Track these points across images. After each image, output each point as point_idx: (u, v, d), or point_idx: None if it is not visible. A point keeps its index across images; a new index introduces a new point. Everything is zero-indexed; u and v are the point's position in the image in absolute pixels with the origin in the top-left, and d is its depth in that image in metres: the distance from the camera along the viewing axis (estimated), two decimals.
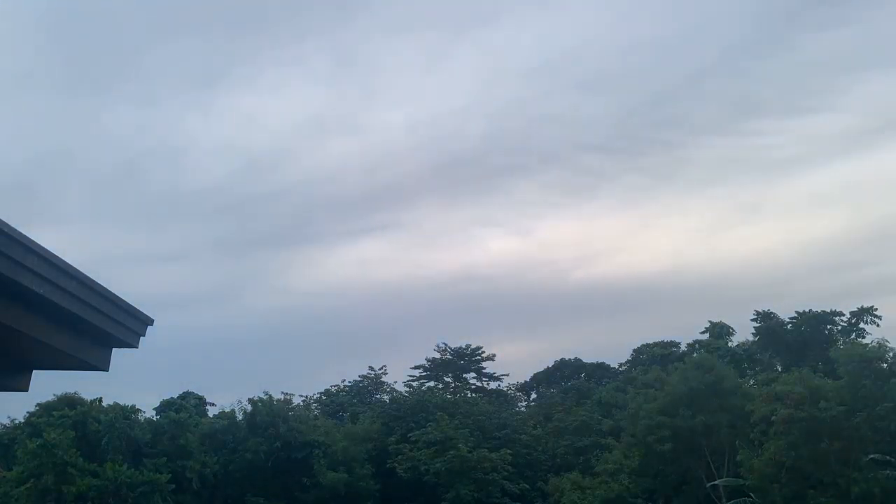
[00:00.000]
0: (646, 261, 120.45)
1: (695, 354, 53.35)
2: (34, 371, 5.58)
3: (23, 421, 48.18)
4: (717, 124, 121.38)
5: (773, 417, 36.21)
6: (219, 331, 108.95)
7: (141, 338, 5.47)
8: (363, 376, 68.57)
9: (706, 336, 59.48)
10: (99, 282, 4.79)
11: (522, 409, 70.60)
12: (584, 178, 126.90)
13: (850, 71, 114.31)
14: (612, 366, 72.18)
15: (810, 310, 53.03)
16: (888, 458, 34.74)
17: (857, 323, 51.78)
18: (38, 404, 47.20)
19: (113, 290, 4.95)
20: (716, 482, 39.80)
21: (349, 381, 68.97)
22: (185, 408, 51.29)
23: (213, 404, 58.11)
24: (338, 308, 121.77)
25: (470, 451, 48.05)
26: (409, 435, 51.32)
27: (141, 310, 5.31)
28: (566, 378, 73.53)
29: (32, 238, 4.11)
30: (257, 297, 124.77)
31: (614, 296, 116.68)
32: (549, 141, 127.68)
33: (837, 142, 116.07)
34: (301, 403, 60.08)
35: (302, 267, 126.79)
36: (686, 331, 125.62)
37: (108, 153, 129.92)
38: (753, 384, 45.65)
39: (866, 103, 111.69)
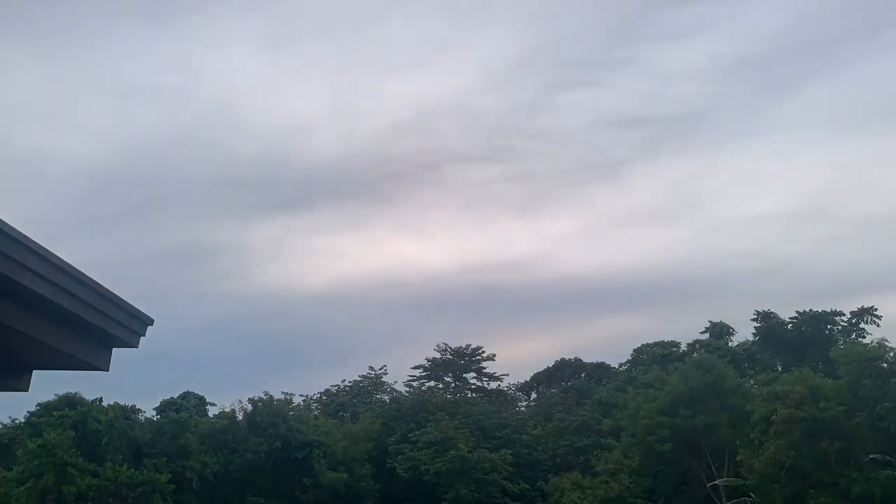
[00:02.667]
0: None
1: (695, 354, 53.39)
2: (34, 371, 5.58)
3: (23, 421, 48.19)
4: None
5: (773, 417, 36.22)
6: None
7: (141, 338, 5.46)
8: (363, 376, 68.56)
9: (706, 336, 59.49)
10: (99, 282, 4.79)
11: (522, 409, 70.60)
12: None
13: None
14: (612, 366, 72.19)
15: (810, 309, 53.06)
16: (888, 457, 34.76)
17: (857, 323, 51.82)
18: (38, 404, 47.23)
19: (113, 290, 4.95)
20: (716, 482, 39.81)
21: (349, 381, 69.04)
22: (185, 408, 51.30)
23: (214, 404, 58.21)
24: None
25: (470, 451, 48.06)
26: (409, 435, 51.33)
27: (141, 310, 5.31)
28: (566, 378, 73.49)
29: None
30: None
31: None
32: None
33: None
34: (301, 403, 60.13)
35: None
36: (686, 331, 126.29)
37: None
38: (753, 384, 45.65)
39: None
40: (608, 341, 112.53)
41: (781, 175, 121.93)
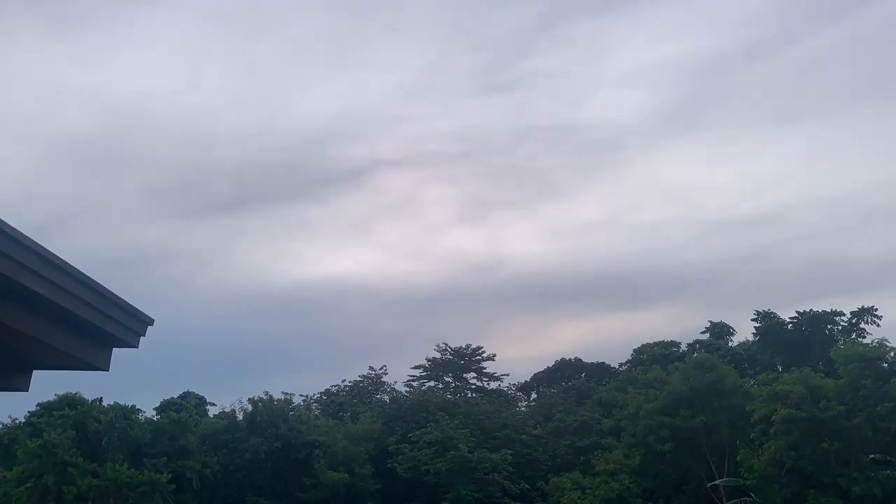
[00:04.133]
0: None
1: (695, 354, 53.38)
2: (34, 371, 5.58)
3: (23, 421, 48.18)
4: None
5: (773, 417, 36.20)
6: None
7: (141, 338, 5.46)
8: (363, 376, 68.60)
9: (706, 336, 59.51)
10: (99, 282, 4.79)
11: (523, 409, 70.59)
12: None
13: None
14: (612, 366, 72.26)
15: (811, 309, 53.12)
16: (889, 458, 34.76)
17: (857, 323, 51.87)
18: (38, 404, 47.18)
19: (113, 290, 4.95)
20: (716, 482, 39.80)
21: (349, 381, 69.05)
22: (185, 408, 51.28)
23: (214, 404, 58.25)
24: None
25: (470, 451, 48.05)
26: (409, 435, 51.32)
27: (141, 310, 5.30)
28: (566, 378, 73.52)
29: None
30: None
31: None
32: None
33: None
34: (301, 403, 60.14)
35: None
36: (686, 331, 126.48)
37: None
38: (753, 384, 45.62)
39: None
40: (608, 341, 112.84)
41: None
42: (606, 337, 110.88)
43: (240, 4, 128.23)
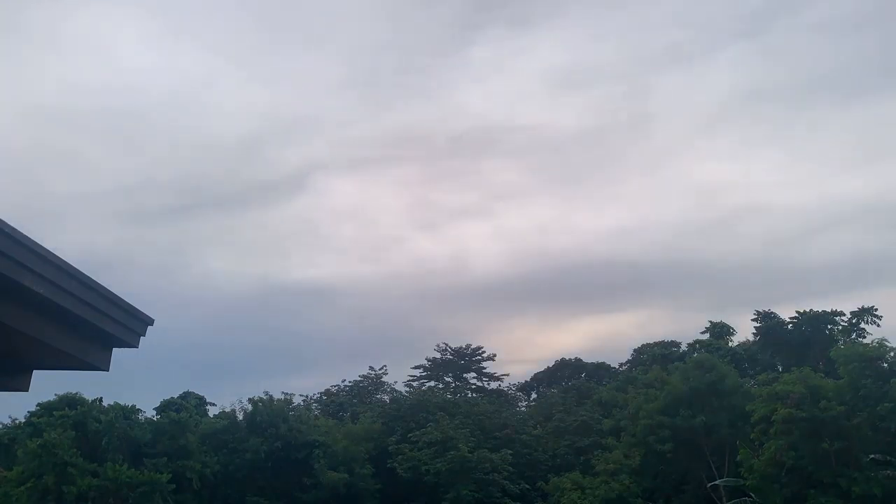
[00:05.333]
0: None
1: (695, 354, 53.35)
2: (34, 371, 5.58)
3: (23, 421, 48.17)
4: None
5: (774, 417, 36.19)
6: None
7: (141, 338, 5.46)
8: (363, 376, 68.60)
9: (706, 336, 59.48)
10: (99, 282, 4.79)
11: (523, 409, 70.60)
12: None
13: None
14: (612, 366, 72.26)
15: (811, 309, 53.05)
16: (889, 458, 34.74)
17: (857, 323, 51.80)
18: (38, 404, 47.19)
19: (113, 290, 4.95)
20: (716, 482, 39.79)
21: (349, 381, 69.07)
22: (185, 408, 51.29)
23: (214, 404, 58.25)
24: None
25: (470, 451, 48.04)
26: (409, 435, 51.31)
27: (141, 310, 5.30)
28: (566, 378, 73.54)
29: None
30: None
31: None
32: None
33: None
34: (301, 403, 60.14)
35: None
36: (686, 330, 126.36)
37: None
38: (753, 384, 45.61)
39: None
40: (609, 341, 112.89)
41: None
42: (607, 337, 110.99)
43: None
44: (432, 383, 67.65)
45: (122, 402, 48.80)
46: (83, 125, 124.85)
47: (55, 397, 47.27)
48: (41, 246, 4.19)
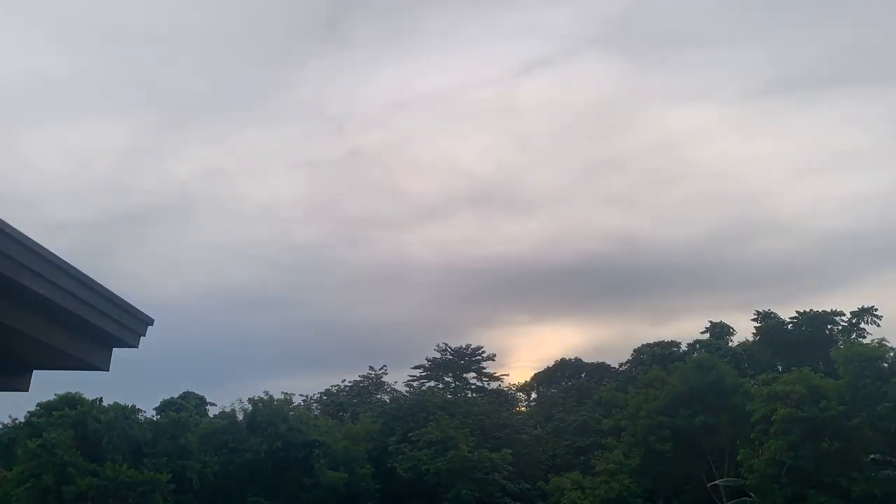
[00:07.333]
0: None
1: (695, 354, 53.37)
2: (34, 371, 5.57)
3: (23, 421, 48.16)
4: None
5: (773, 417, 36.20)
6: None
7: (141, 338, 5.45)
8: (363, 376, 68.59)
9: (706, 336, 59.49)
10: (99, 282, 4.79)
11: (523, 409, 70.60)
12: None
13: None
14: (612, 366, 72.20)
15: (811, 309, 53.07)
16: (889, 458, 34.75)
17: (857, 323, 51.82)
18: (38, 404, 47.16)
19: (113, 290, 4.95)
20: (716, 482, 39.79)
21: (349, 381, 69.07)
22: (185, 408, 51.30)
23: (214, 404, 58.23)
24: None
25: (470, 451, 48.05)
26: (409, 435, 51.32)
27: (141, 310, 5.30)
28: (566, 378, 73.52)
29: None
30: None
31: None
32: None
33: None
34: (301, 403, 60.14)
35: None
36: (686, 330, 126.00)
37: None
38: (753, 384, 45.64)
39: None
40: (608, 341, 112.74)
41: None
42: (607, 337, 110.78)
43: None
44: (432, 383, 67.59)
45: (122, 402, 48.82)
46: None
47: (55, 397, 47.24)
48: (41, 246, 4.18)
